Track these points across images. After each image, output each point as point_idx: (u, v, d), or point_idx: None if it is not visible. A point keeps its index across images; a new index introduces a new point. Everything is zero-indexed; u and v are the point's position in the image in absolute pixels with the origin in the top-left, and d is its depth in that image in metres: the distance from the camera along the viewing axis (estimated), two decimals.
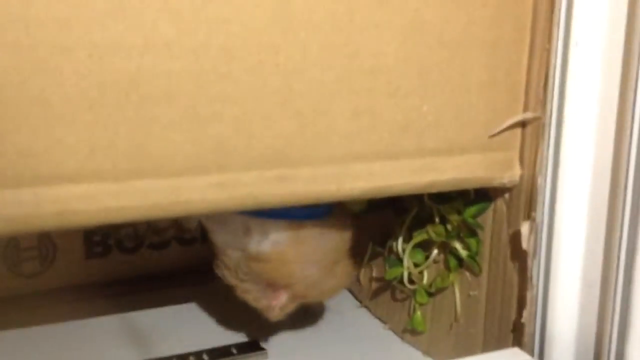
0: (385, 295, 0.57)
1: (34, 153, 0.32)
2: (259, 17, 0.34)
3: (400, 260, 0.52)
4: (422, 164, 0.40)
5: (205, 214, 0.36)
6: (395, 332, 0.56)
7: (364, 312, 0.60)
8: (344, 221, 0.49)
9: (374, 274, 0.58)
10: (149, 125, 0.34)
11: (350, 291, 0.63)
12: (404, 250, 0.51)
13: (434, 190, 0.42)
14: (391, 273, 0.52)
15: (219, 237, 0.50)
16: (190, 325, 0.58)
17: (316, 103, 0.37)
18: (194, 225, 0.67)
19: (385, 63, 0.38)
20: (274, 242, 0.47)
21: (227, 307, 0.61)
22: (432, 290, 0.51)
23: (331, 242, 0.48)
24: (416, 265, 0.51)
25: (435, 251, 0.50)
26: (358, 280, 0.60)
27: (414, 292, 0.52)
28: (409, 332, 0.54)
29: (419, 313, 0.53)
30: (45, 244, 0.62)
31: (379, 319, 0.59)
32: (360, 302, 0.61)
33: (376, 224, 0.55)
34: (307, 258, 0.47)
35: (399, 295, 0.55)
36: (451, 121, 0.40)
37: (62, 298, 0.61)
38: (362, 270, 0.59)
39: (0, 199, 0.31)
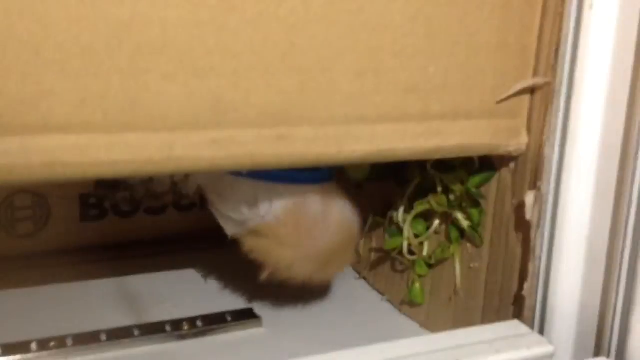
0: (384, 267, 0.56)
1: (23, 101, 0.30)
2: None
3: (401, 231, 0.51)
4: (426, 128, 0.39)
5: (199, 171, 0.35)
6: (393, 304, 0.55)
7: (362, 283, 0.59)
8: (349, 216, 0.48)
9: (374, 245, 0.57)
10: (142, 75, 0.32)
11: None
12: (404, 221, 0.50)
13: (438, 156, 0.40)
14: (391, 243, 0.51)
15: (220, 209, 0.49)
16: (185, 291, 0.57)
17: (318, 60, 0.35)
18: (192, 190, 0.66)
19: (392, 21, 0.36)
20: (275, 214, 0.46)
21: (222, 274, 0.60)
22: (432, 261, 0.50)
23: (333, 236, 0.47)
24: (417, 236, 0.50)
25: (436, 222, 0.49)
26: (357, 251, 0.59)
27: (414, 263, 0.51)
28: (407, 304, 0.53)
29: (417, 285, 0.52)
30: (40, 205, 0.61)
31: (378, 290, 0.58)
32: (359, 273, 0.60)
33: (377, 194, 0.54)
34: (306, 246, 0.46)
35: (398, 267, 0.54)
36: (458, 84, 0.39)
37: (56, 260, 0.60)
38: (362, 241, 0.58)
39: None
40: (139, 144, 0.33)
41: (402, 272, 0.54)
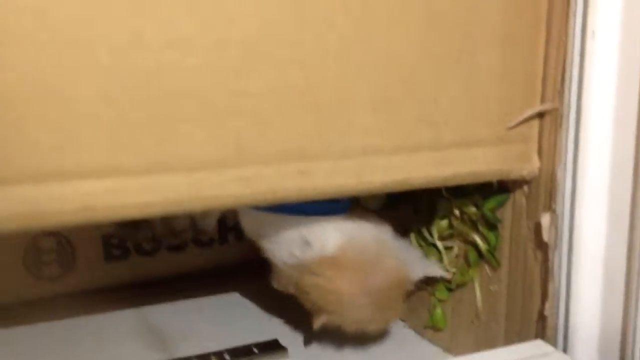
0: None
1: (58, 149, 0.32)
2: (277, 12, 0.35)
3: (431, 255, 0.51)
4: (440, 156, 0.40)
5: (226, 208, 0.36)
6: (416, 330, 0.56)
7: None
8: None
9: None
10: (169, 120, 0.34)
11: None
12: (425, 245, 0.51)
13: (453, 183, 0.42)
14: None
15: (274, 254, 0.49)
16: (210, 325, 0.58)
17: (334, 96, 0.37)
18: (211, 226, 0.67)
19: (401, 55, 0.38)
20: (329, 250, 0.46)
21: (245, 307, 0.61)
22: (452, 286, 0.51)
23: (388, 272, 0.47)
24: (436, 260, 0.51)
25: (455, 247, 0.50)
26: None
27: (434, 288, 0.52)
28: (429, 328, 0.54)
29: (439, 310, 0.53)
30: (64, 248, 0.62)
31: (399, 318, 0.58)
32: None
33: (393, 221, 0.55)
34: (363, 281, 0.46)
35: (418, 293, 0.55)
36: (468, 114, 0.40)
37: (82, 301, 0.62)
38: None
39: (28, 195, 0.32)
40: (168, 184, 0.34)
41: (423, 297, 0.55)
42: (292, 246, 0.47)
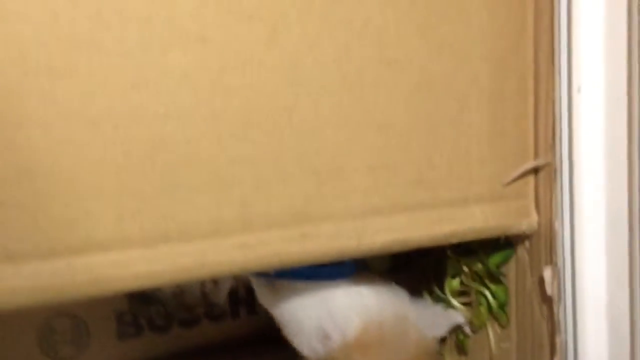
0: None
1: (66, 224, 0.33)
2: (272, 82, 0.36)
3: None
4: (439, 214, 0.41)
5: (231, 274, 0.37)
6: None
7: None
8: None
9: None
10: (173, 190, 0.35)
11: None
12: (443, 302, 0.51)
13: (454, 240, 0.42)
14: None
15: (297, 346, 0.49)
16: None
17: (332, 161, 0.38)
18: (222, 299, 0.68)
19: (395, 119, 0.40)
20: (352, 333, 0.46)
21: None
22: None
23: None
24: None
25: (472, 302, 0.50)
26: None
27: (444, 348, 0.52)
28: None
29: None
30: (78, 327, 0.63)
31: None
32: None
33: (402, 283, 0.55)
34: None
35: None
36: (463, 172, 0.42)
37: None
38: None
39: (37, 270, 0.33)
40: (174, 253, 0.35)
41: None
42: (312, 340, 0.47)
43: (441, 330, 0.50)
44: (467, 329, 0.51)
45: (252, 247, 0.37)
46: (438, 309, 0.52)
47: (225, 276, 0.38)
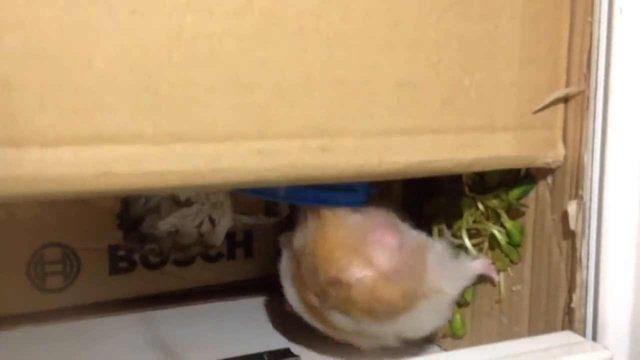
0: None
1: (76, 112, 0.31)
2: None
3: None
4: (464, 139, 0.39)
5: (245, 184, 0.35)
6: (434, 342, 0.54)
7: None
8: None
9: None
10: (190, 88, 0.33)
11: None
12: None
13: (476, 168, 0.40)
14: None
15: None
16: (219, 338, 0.56)
17: (358, 72, 0.36)
18: (219, 241, 0.66)
19: (427, 35, 0.37)
20: None
21: (254, 319, 0.59)
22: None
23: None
24: None
25: (485, 244, 0.48)
26: None
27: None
28: (449, 337, 0.52)
29: (458, 317, 0.51)
30: (69, 259, 0.61)
31: None
32: None
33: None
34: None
35: None
36: (493, 97, 0.40)
37: (86, 313, 0.60)
38: None
39: (42, 158, 0.30)
40: (187, 154, 0.33)
41: None
42: None
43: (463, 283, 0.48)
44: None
45: (268, 155, 0.35)
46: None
47: (239, 186, 0.36)
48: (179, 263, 0.65)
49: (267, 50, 0.34)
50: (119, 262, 0.63)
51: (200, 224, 0.64)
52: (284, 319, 0.57)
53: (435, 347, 0.53)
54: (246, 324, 0.58)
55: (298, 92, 0.35)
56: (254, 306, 0.62)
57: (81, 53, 0.31)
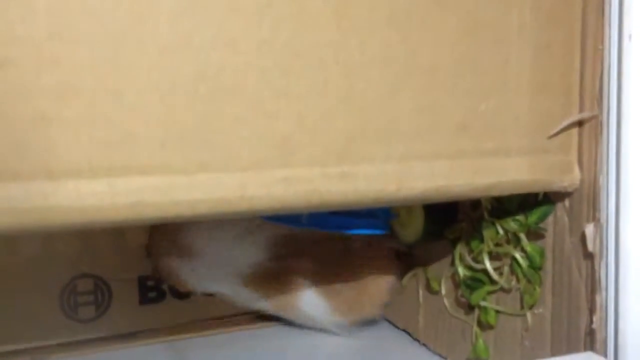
0: (443, 329, 0.56)
1: (109, 144, 0.33)
2: (320, 15, 0.36)
3: (480, 280, 0.50)
4: (481, 164, 0.40)
5: (270, 211, 0.37)
6: None
7: (422, 350, 0.59)
8: None
9: (432, 309, 0.57)
10: (216, 119, 0.35)
11: (406, 331, 0.62)
12: (471, 274, 0.50)
13: (494, 193, 0.42)
14: (478, 296, 0.51)
15: None
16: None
17: (377, 100, 0.38)
18: None
19: (443, 61, 0.39)
20: None
21: (285, 347, 0.60)
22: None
23: None
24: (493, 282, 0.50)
25: (505, 268, 0.48)
26: (416, 318, 0.60)
27: (485, 314, 0.51)
28: None
29: (481, 341, 0.52)
30: (101, 289, 0.62)
31: (439, 354, 0.57)
32: (419, 340, 0.60)
33: (429, 255, 0.55)
34: None
35: (458, 326, 0.54)
36: (508, 122, 0.41)
37: (118, 343, 0.61)
38: (420, 308, 0.59)
39: (77, 189, 0.32)
40: (215, 183, 0.35)
41: (463, 330, 0.54)
42: None
43: None
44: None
45: (292, 182, 0.36)
46: None
47: (264, 213, 0.37)
48: (206, 292, 0.66)
49: (288, 81, 0.36)
50: (148, 292, 0.64)
51: None
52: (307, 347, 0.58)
53: None
54: (275, 351, 0.59)
55: (319, 121, 0.37)
56: (284, 333, 0.63)
57: (113, 88, 0.33)
